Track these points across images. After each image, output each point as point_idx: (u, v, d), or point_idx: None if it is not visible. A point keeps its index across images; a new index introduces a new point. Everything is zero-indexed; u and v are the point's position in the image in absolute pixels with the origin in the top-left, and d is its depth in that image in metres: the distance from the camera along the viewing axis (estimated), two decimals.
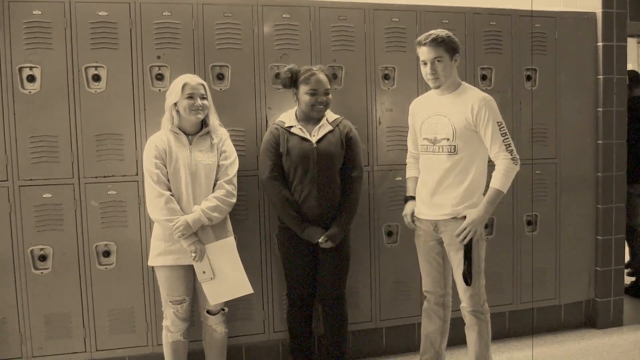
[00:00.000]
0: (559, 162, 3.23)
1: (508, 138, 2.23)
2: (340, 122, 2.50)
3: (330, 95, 2.48)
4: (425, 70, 2.28)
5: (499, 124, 2.21)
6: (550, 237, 3.24)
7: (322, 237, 2.41)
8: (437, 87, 2.29)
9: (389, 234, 2.96)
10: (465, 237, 2.20)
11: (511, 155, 2.20)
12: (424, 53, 2.25)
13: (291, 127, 2.45)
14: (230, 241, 2.33)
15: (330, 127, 2.46)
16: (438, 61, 2.22)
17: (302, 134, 2.43)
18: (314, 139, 2.42)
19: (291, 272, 2.55)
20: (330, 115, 2.52)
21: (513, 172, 2.22)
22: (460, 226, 2.21)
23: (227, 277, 2.30)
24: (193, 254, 2.27)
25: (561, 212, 3.24)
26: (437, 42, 2.21)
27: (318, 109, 2.45)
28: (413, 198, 2.47)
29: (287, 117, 2.49)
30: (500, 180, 2.20)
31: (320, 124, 2.46)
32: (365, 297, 2.93)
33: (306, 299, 2.58)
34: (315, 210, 2.42)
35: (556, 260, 3.25)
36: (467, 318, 2.37)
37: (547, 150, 3.19)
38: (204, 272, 2.28)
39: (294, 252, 2.51)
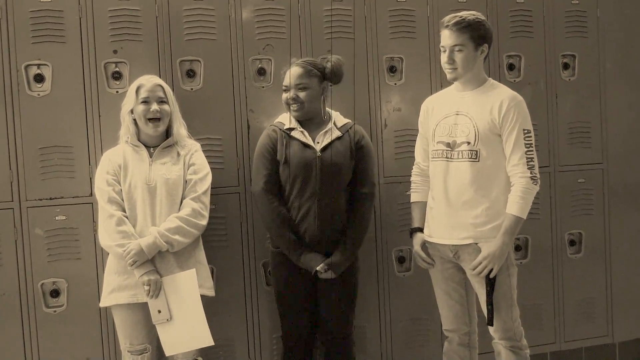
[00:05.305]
0: (606, 168, 3.07)
1: (532, 151, 2.16)
2: (350, 128, 2.40)
3: (308, 91, 2.32)
4: (443, 59, 2.21)
5: (526, 132, 2.15)
6: (598, 259, 3.07)
7: (321, 265, 2.26)
8: (453, 80, 2.23)
9: (401, 260, 2.80)
10: (482, 271, 2.15)
11: (530, 172, 2.14)
12: (445, 38, 2.18)
13: (291, 129, 2.34)
14: (189, 275, 2.17)
15: (338, 133, 2.35)
16: (458, 50, 2.15)
17: (304, 139, 2.32)
18: (318, 147, 2.31)
19: (286, 309, 2.40)
20: (339, 118, 2.41)
21: (532, 193, 2.16)
22: (475, 260, 2.16)
23: (185, 320, 2.16)
24: (146, 287, 2.12)
25: (611, 229, 3.09)
26: (460, 26, 2.12)
27: (293, 109, 2.33)
28: (421, 230, 2.36)
29: (287, 117, 2.39)
30: (519, 205, 2.14)
31: (327, 128, 2.35)
32: (374, 339, 2.78)
33: (304, 342, 2.42)
34: (315, 232, 2.29)
35: (607, 289, 3.08)
36: (504, 355, 2.24)
37: (592, 153, 3.05)
38: (159, 312, 2.14)
39: (289, 283, 2.36)
